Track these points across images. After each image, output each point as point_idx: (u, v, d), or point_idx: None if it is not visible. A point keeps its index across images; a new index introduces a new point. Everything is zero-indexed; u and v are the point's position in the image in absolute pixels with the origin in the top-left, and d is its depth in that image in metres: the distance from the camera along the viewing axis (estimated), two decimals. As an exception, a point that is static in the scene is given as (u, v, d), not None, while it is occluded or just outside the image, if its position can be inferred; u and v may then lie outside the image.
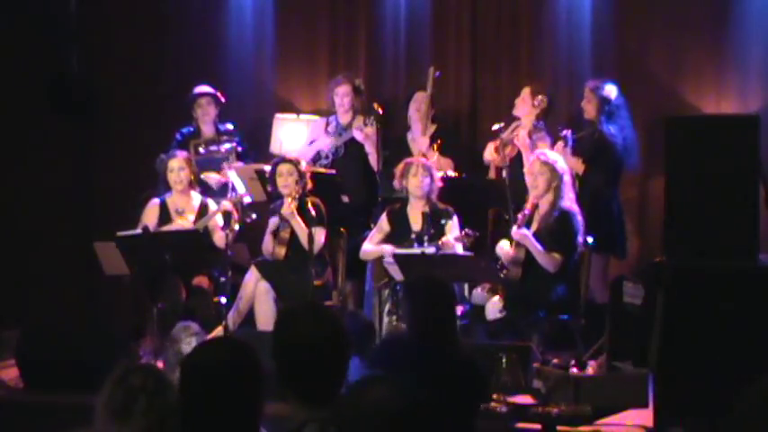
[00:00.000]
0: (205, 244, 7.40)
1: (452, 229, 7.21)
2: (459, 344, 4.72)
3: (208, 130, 8.19)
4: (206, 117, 8.16)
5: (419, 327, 4.57)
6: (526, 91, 7.78)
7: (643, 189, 7.99)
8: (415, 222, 7.33)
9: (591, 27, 8.20)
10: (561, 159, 7.06)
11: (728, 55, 7.97)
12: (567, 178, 6.97)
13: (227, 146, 8.03)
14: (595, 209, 7.42)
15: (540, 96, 7.71)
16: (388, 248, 7.20)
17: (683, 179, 5.60)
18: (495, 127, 7.73)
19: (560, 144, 7.39)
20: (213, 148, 8.05)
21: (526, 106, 7.74)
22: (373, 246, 7.39)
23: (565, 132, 7.44)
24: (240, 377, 2.95)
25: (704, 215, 5.52)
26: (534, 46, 8.36)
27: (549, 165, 6.94)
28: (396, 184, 7.42)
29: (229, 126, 8.24)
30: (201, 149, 8.06)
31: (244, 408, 2.95)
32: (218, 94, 8.18)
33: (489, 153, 7.84)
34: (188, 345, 6.68)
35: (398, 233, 7.36)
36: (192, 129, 8.21)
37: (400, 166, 7.42)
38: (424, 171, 7.31)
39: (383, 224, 7.44)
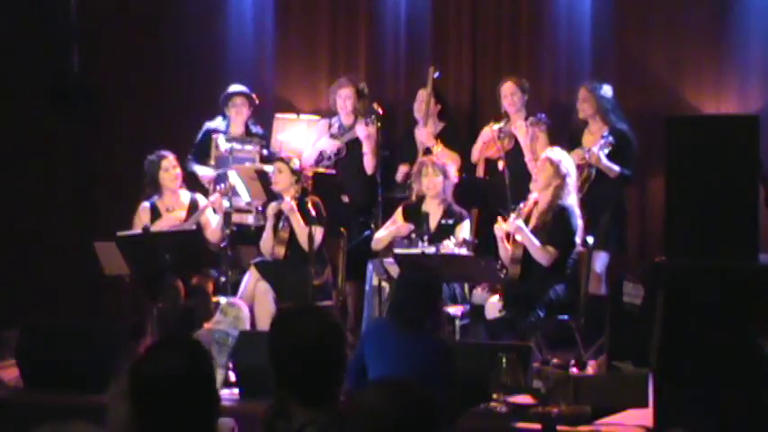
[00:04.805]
0: (205, 244, 7.40)
1: (461, 232, 7.20)
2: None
3: (238, 129, 8.11)
4: (239, 117, 8.08)
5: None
6: (508, 87, 7.77)
7: (643, 189, 7.98)
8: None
9: (591, 27, 8.20)
10: (567, 158, 7.02)
11: (728, 55, 7.97)
12: (570, 180, 6.94)
13: (249, 147, 7.96)
14: (622, 208, 7.55)
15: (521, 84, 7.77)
16: (405, 227, 7.23)
17: (683, 179, 5.60)
18: (496, 127, 7.73)
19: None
20: (237, 146, 7.97)
21: (509, 99, 7.73)
22: (386, 232, 7.39)
23: (540, 116, 7.55)
24: (192, 385, 2.78)
25: (704, 215, 5.52)
26: (534, 46, 8.36)
27: (552, 163, 6.92)
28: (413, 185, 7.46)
29: (259, 129, 8.19)
30: (223, 146, 7.99)
31: (199, 413, 2.80)
32: (253, 95, 8.13)
33: (478, 149, 7.84)
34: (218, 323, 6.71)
35: None
36: (226, 127, 8.12)
37: (415, 167, 7.46)
38: (436, 170, 7.31)
39: (397, 218, 7.46)
